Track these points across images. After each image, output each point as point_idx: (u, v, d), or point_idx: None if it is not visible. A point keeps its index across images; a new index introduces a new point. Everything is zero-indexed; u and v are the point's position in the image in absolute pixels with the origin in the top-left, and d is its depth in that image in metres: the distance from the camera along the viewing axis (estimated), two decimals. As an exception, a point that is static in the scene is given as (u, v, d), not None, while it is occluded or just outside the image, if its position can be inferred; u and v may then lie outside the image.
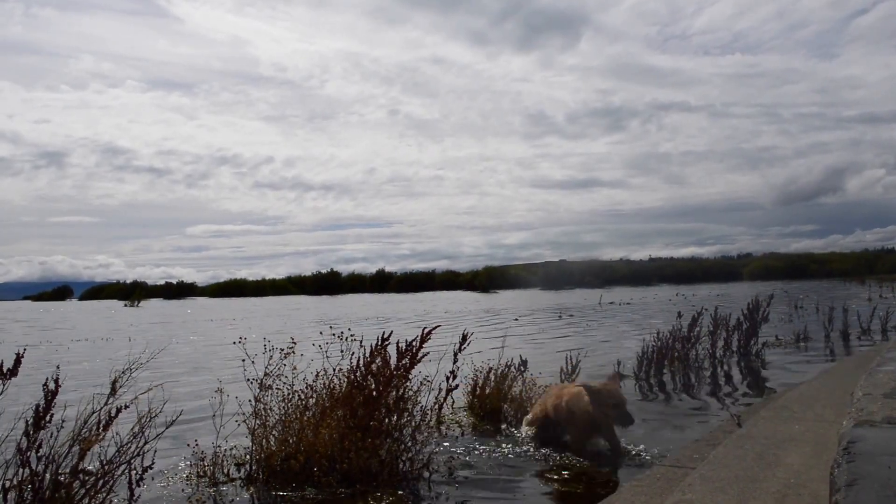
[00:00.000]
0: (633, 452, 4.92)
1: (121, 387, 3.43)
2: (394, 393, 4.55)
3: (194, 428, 5.96)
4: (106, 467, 3.31)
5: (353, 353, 4.73)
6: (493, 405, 6.23)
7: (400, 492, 4.18)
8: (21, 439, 3.12)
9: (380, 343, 4.63)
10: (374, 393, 4.49)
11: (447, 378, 5.68)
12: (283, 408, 4.59)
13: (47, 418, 3.14)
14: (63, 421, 3.18)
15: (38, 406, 3.13)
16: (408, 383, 4.66)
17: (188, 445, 4.84)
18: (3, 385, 3.10)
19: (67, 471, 3.19)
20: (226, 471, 4.53)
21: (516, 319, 24.47)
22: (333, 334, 5.09)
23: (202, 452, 4.57)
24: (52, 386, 3.18)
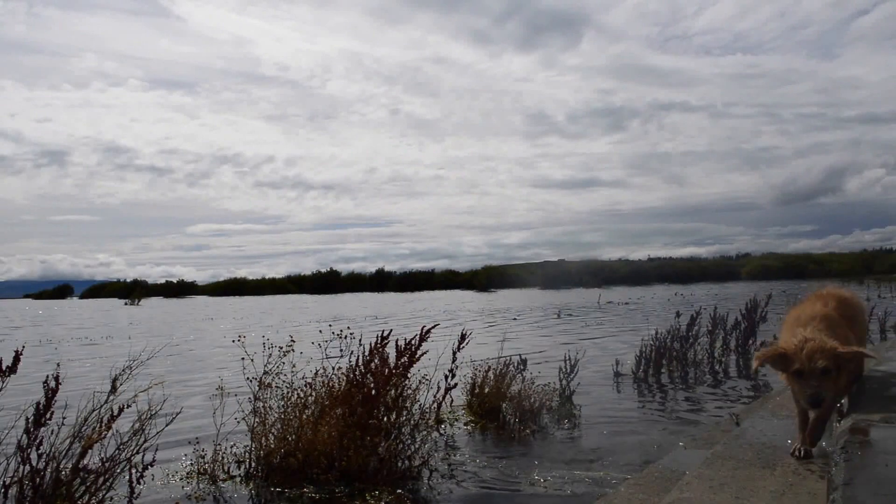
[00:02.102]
0: (632, 451, 4.93)
1: (121, 385, 3.44)
2: (393, 391, 4.57)
3: (194, 426, 5.97)
4: (106, 465, 3.33)
5: (352, 352, 4.75)
6: (492, 404, 6.25)
7: (399, 490, 4.19)
8: (22, 437, 3.13)
9: (379, 342, 4.65)
10: (373, 391, 4.51)
11: (446, 377, 5.69)
12: (283, 406, 4.61)
13: (48, 416, 3.15)
14: (64, 418, 3.19)
15: (38, 404, 3.14)
16: (407, 382, 4.67)
17: (188, 443, 4.85)
18: (3, 382, 3.11)
19: (68, 468, 3.20)
20: (226, 468, 4.55)
21: (515, 319, 24.48)
22: (333, 333, 5.10)
23: (202, 450, 4.58)
24: (52, 384, 3.19)
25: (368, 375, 4.56)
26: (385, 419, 4.52)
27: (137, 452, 3.42)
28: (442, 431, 5.77)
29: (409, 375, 4.68)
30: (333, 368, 4.75)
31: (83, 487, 3.23)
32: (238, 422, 4.64)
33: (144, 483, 3.60)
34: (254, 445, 4.52)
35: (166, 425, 3.63)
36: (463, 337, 5.71)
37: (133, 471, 3.40)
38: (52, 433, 3.20)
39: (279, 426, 4.53)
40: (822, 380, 2.89)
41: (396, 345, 4.69)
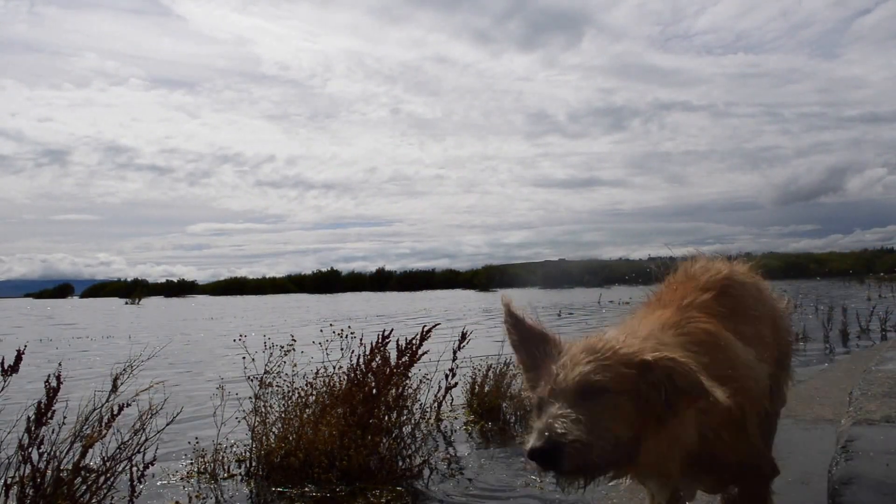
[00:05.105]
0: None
1: (122, 384, 3.44)
2: (393, 391, 4.57)
3: (195, 425, 5.98)
4: (107, 464, 3.33)
5: (353, 352, 4.75)
6: (492, 403, 6.25)
7: (399, 489, 4.20)
8: (23, 436, 3.13)
9: (379, 341, 4.65)
10: (374, 391, 4.51)
11: (446, 376, 5.69)
12: (283, 405, 4.61)
13: (49, 415, 3.15)
14: (65, 418, 3.20)
15: (39, 403, 3.15)
16: (407, 381, 4.68)
17: (189, 442, 4.86)
18: (5, 382, 3.12)
19: (69, 467, 3.20)
20: (226, 467, 4.55)
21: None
22: (334, 332, 5.10)
23: (203, 449, 4.59)
24: (53, 383, 3.19)
25: (369, 375, 4.56)
26: (386, 418, 4.52)
27: (138, 452, 3.42)
28: (442, 430, 5.78)
29: (409, 375, 4.68)
30: (334, 367, 4.76)
31: (84, 486, 3.24)
32: (239, 421, 4.65)
33: (145, 482, 3.60)
34: (254, 445, 4.52)
35: (167, 424, 3.62)
36: (463, 336, 5.71)
37: (134, 470, 3.40)
38: (53, 432, 3.21)
39: (280, 425, 4.53)
40: (579, 407, 1.55)
41: (397, 344, 4.69)
